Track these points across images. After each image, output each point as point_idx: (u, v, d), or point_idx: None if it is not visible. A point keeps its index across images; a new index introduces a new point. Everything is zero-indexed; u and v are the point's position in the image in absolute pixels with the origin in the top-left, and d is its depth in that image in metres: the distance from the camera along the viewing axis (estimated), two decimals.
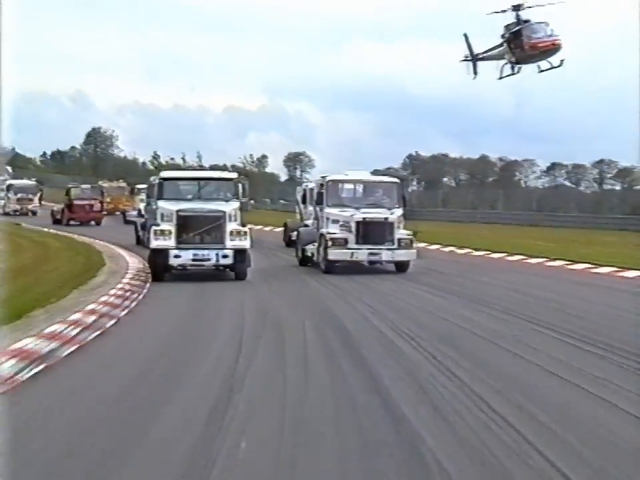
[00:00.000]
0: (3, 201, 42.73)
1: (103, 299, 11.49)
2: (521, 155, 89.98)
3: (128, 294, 12.49)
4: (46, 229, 31.56)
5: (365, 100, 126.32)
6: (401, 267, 17.38)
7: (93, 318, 9.75)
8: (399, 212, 17.73)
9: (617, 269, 17.96)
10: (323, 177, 19.04)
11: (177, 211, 15.27)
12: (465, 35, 40.31)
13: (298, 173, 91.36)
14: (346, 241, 17.05)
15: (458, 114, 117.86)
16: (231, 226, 15.37)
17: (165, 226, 15.23)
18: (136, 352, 8.50)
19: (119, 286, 13.28)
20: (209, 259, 15.19)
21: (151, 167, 76.23)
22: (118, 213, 40.20)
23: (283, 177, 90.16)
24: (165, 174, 17.30)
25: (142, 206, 30.68)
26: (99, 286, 13.33)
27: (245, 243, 15.31)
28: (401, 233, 17.34)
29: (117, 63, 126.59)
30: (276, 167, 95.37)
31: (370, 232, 17.11)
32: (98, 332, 9.07)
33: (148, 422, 5.59)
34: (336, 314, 11.16)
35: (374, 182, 19.44)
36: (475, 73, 39.57)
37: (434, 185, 76.12)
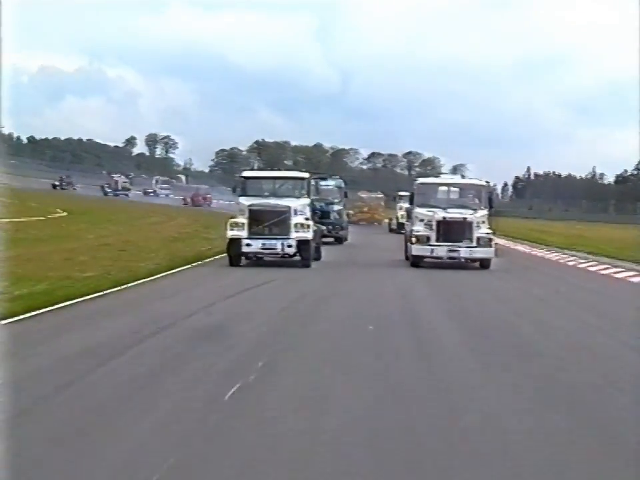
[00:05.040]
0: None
1: None
2: (344, 130, 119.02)
3: None
4: None
5: (189, 68, 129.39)
6: (483, 263, 18.76)
7: None
8: (482, 212, 19.05)
9: None
10: (414, 180, 20.78)
11: (249, 206, 17.48)
12: None
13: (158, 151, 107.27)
14: (428, 238, 18.65)
15: (283, 87, 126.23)
16: (296, 219, 17.50)
17: (239, 219, 17.52)
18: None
19: None
20: (275, 248, 17.35)
21: None
22: (375, 223, 43.80)
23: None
24: (246, 174, 19.75)
25: (400, 214, 33.96)
26: None
27: (307, 235, 17.39)
28: (480, 231, 18.65)
29: None
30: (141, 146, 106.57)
31: (449, 230, 18.60)
32: None
33: None
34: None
35: (461, 184, 20.92)
36: None
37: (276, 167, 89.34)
